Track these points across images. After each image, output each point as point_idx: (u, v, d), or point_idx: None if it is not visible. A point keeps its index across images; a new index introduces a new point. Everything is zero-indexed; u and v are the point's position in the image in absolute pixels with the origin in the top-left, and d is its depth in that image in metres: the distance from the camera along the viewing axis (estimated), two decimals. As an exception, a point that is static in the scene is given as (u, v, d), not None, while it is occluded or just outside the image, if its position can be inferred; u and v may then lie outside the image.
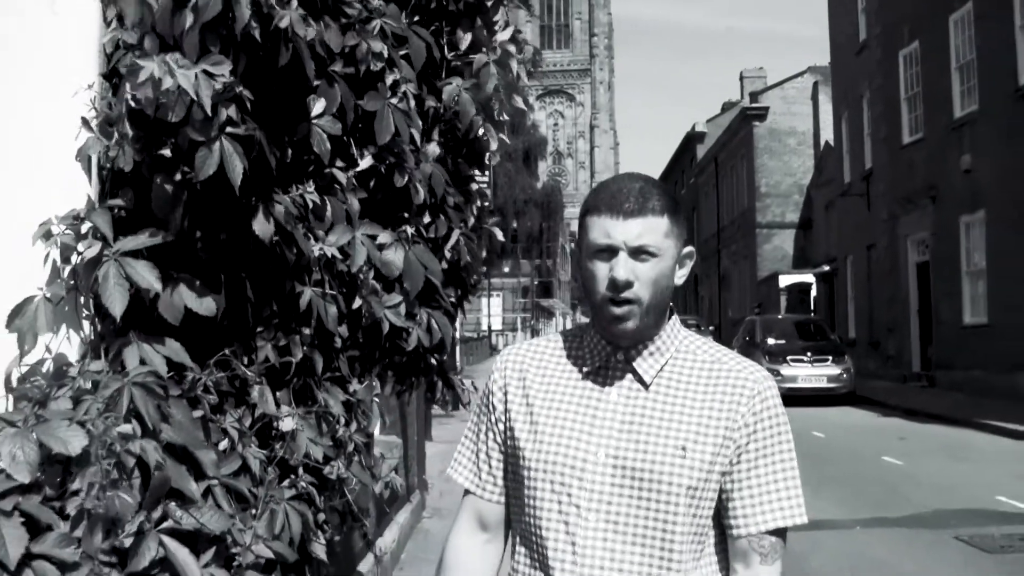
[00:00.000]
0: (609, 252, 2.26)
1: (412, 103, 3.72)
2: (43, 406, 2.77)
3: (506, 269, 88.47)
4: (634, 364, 2.37)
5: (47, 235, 2.93)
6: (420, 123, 3.83)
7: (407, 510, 10.01)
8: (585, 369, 2.42)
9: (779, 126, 52.34)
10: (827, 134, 45.39)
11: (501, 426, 2.49)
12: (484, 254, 4.42)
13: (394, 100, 3.64)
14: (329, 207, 3.50)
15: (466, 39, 4.09)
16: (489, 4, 4.21)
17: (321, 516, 3.51)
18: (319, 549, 3.46)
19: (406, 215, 3.88)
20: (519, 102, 4.48)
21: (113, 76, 3.18)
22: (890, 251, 32.26)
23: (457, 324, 4.31)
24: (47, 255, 2.97)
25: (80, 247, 2.93)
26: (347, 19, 3.55)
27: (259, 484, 3.17)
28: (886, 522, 11.15)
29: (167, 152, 2.93)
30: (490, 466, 2.52)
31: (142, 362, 2.91)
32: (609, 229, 2.26)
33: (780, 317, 35.49)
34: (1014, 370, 23.40)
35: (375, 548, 4.66)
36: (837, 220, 40.62)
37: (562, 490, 2.31)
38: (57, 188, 3.13)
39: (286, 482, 3.32)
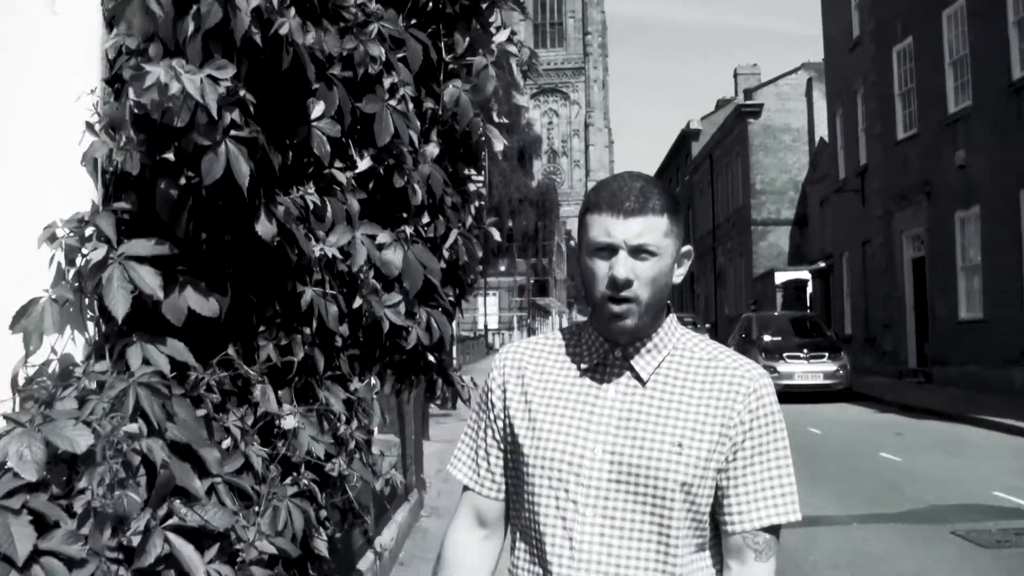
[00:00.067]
0: (609, 250, 2.27)
1: (410, 105, 3.75)
2: (49, 406, 2.81)
3: (502, 268, 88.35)
4: (631, 361, 2.38)
5: (52, 238, 2.97)
6: (418, 124, 3.86)
7: (405, 509, 10.02)
8: (583, 366, 2.43)
9: (774, 123, 52.29)
10: (822, 130, 45.40)
11: (500, 423, 2.50)
12: (480, 253, 4.44)
13: (392, 102, 3.67)
14: (329, 208, 3.53)
15: (463, 42, 4.11)
16: (484, 6, 4.23)
17: (323, 513, 3.54)
18: (321, 545, 3.49)
19: (405, 215, 3.91)
20: (519, 99, 4.52)
21: (115, 81, 3.20)
22: (885, 247, 32.28)
23: (454, 323, 4.33)
24: (52, 257, 3.00)
25: (85, 249, 2.96)
26: (345, 23, 3.58)
27: (262, 481, 3.20)
28: (883, 518, 11.16)
29: (171, 156, 2.96)
30: (489, 463, 2.53)
31: (146, 362, 2.95)
32: (609, 228, 2.26)
33: (776, 314, 35.47)
34: (1009, 365, 23.44)
35: (375, 545, 4.68)
36: (832, 216, 40.63)
37: (560, 486, 2.32)
38: (57, 189, 3.15)
39: (288, 479, 3.35)
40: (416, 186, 3.83)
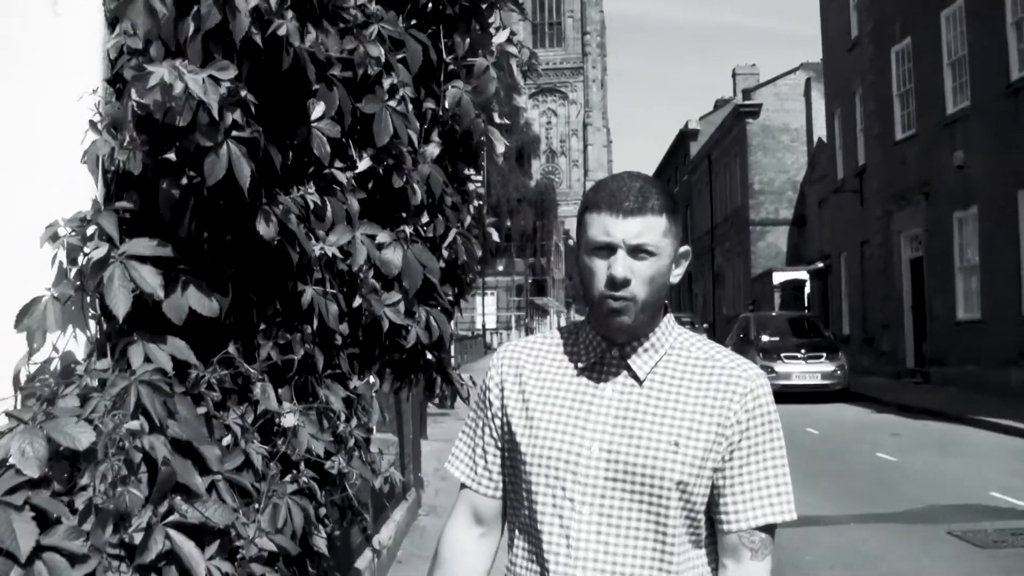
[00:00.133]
0: (608, 249, 2.28)
1: (409, 106, 3.77)
2: (52, 403, 2.83)
3: (500, 268, 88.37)
4: (628, 360, 2.39)
5: (54, 236, 2.99)
6: (417, 125, 3.87)
7: (403, 508, 10.03)
8: (580, 365, 2.44)
9: (772, 123, 52.30)
10: (820, 131, 45.37)
11: (498, 421, 2.51)
12: (479, 253, 4.46)
13: (392, 103, 3.68)
14: (329, 208, 3.55)
15: (463, 43, 4.13)
16: (484, 7, 4.25)
17: (322, 510, 3.56)
18: (320, 543, 3.51)
19: (404, 215, 3.92)
20: (519, 101, 4.54)
21: (117, 81, 3.22)
22: (884, 247, 32.29)
23: (452, 323, 4.35)
24: (54, 256, 3.01)
25: (86, 248, 2.98)
26: (345, 24, 3.59)
27: (262, 479, 3.22)
28: (880, 517, 11.18)
29: (172, 156, 2.98)
30: (486, 461, 2.54)
31: (147, 360, 2.97)
32: (608, 227, 2.28)
33: (774, 314, 35.44)
34: (1007, 366, 23.47)
35: (373, 543, 4.70)
36: (831, 217, 40.64)
37: (557, 484, 2.33)
38: (57, 189, 3.16)
39: (288, 477, 3.37)
40: (415, 186, 3.84)
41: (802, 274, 45.22)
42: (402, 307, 3.80)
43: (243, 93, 2.97)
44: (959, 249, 27.10)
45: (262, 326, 3.42)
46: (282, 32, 3.05)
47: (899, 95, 31.01)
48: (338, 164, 3.63)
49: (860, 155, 35.12)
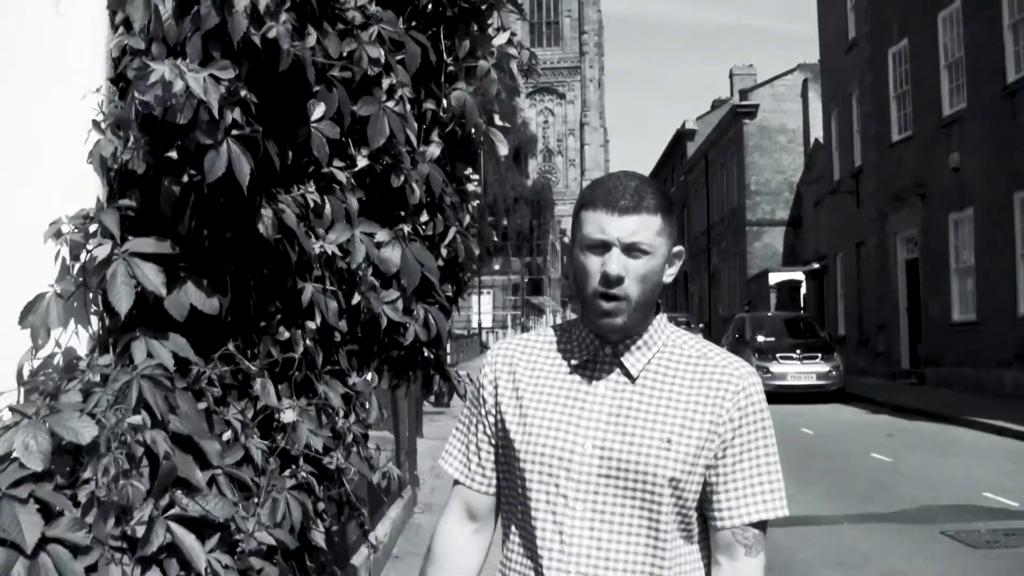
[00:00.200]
0: (602, 247, 2.30)
1: (408, 106, 3.80)
2: (55, 398, 2.87)
3: (496, 267, 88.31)
4: (621, 358, 2.40)
5: (57, 234, 3.02)
6: (416, 125, 3.90)
7: (399, 505, 10.04)
8: (573, 362, 2.45)
9: (769, 124, 52.26)
10: (817, 131, 45.36)
11: (491, 419, 2.53)
12: (477, 252, 4.48)
13: (390, 104, 3.71)
14: (329, 206, 3.58)
15: (463, 44, 4.16)
16: (483, 8, 4.27)
17: (320, 505, 3.59)
18: (319, 537, 3.54)
19: (403, 213, 3.95)
20: (520, 105, 4.57)
21: (120, 81, 3.25)
22: (879, 248, 32.31)
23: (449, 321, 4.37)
24: (57, 253, 3.05)
25: (89, 245, 3.02)
26: (345, 25, 3.62)
27: (261, 474, 3.25)
28: (873, 517, 11.20)
29: (174, 155, 3.01)
30: (479, 458, 2.55)
31: (149, 356, 3.00)
32: (604, 225, 2.29)
33: (770, 314, 35.44)
34: (1002, 367, 23.51)
35: (370, 538, 4.72)
36: (827, 217, 40.63)
37: (550, 480, 2.35)
38: (57, 188, 3.19)
39: (287, 472, 3.40)
40: (414, 185, 3.87)
41: (798, 275, 45.18)
42: (400, 305, 3.83)
43: (243, 93, 3.00)
44: (955, 251, 27.13)
45: (262, 323, 3.45)
46: (272, 35, 3.06)
47: (896, 96, 31.02)
48: (337, 163, 3.66)
49: (857, 156, 35.12)
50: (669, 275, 2.41)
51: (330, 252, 3.55)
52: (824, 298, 41.17)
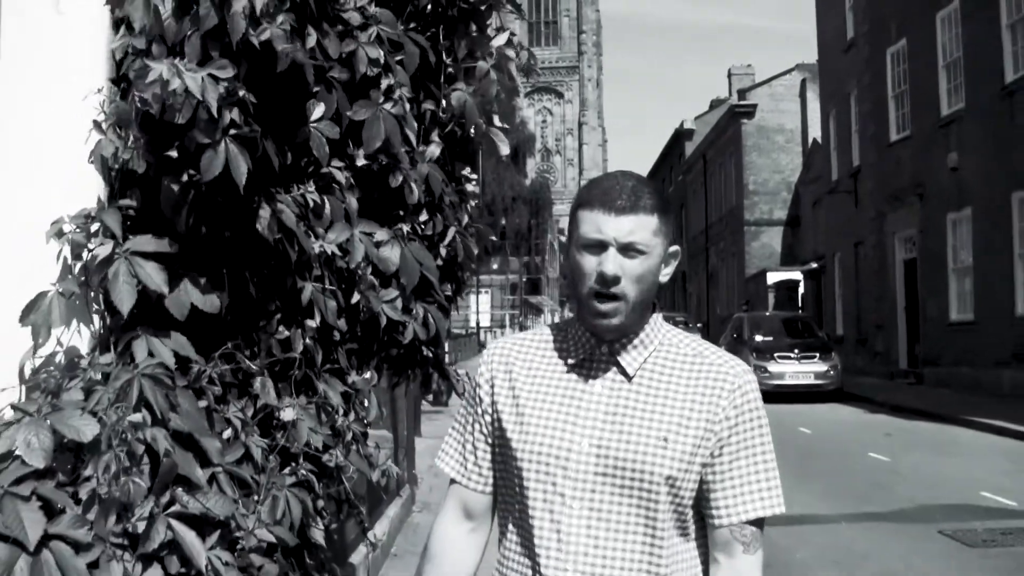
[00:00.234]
0: (599, 247, 2.30)
1: (407, 107, 3.81)
2: (56, 396, 2.88)
3: (495, 266, 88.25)
4: (618, 357, 2.41)
5: (59, 233, 3.04)
6: (415, 125, 3.91)
7: (397, 504, 10.04)
8: (570, 361, 2.46)
9: (767, 123, 52.25)
10: (815, 131, 45.38)
11: (488, 418, 2.53)
12: (476, 251, 4.49)
13: (388, 105, 3.72)
14: (328, 206, 3.60)
15: (463, 45, 4.17)
16: (483, 8, 4.28)
17: (320, 503, 3.60)
18: (318, 535, 3.55)
19: (402, 213, 3.97)
20: (519, 104, 4.58)
21: (121, 81, 3.27)
22: (878, 248, 32.31)
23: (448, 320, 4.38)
24: (59, 252, 3.07)
25: (91, 245, 3.03)
26: (345, 26, 3.63)
27: (261, 471, 3.27)
28: (871, 517, 11.20)
29: (174, 154, 3.03)
30: (476, 457, 2.56)
31: (150, 355, 3.02)
32: (601, 224, 2.29)
33: (768, 314, 35.38)
34: (999, 367, 23.53)
35: (369, 536, 4.73)
36: (825, 217, 40.62)
37: (547, 479, 2.35)
38: (58, 187, 3.20)
39: (287, 470, 3.42)
40: (413, 185, 3.88)
41: (796, 274, 45.17)
42: (399, 304, 3.84)
43: (241, 92, 3.01)
44: (953, 250, 27.13)
45: (262, 322, 3.46)
46: (265, 36, 3.06)
47: (894, 96, 31.03)
48: (336, 163, 3.67)
49: (855, 156, 35.10)
50: (665, 275, 2.41)
51: (329, 251, 3.56)
52: (822, 298, 41.16)
